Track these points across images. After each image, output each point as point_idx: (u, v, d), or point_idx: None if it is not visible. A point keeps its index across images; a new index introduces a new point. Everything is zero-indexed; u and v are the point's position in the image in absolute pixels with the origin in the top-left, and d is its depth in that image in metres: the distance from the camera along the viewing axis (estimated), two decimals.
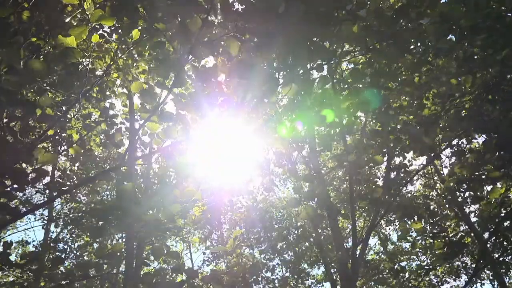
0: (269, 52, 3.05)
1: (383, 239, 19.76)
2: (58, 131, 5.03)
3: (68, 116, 5.50)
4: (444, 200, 10.18)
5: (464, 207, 11.82)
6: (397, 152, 6.75)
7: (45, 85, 4.64)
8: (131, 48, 4.97)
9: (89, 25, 3.06)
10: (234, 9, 2.98)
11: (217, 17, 3.08)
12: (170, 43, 3.35)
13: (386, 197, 7.82)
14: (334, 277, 15.74)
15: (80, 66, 4.93)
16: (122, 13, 3.04)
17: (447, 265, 12.38)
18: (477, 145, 9.13)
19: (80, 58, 3.18)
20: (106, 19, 2.93)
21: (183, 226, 4.04)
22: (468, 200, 7.92)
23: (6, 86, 3.03)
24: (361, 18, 2.89)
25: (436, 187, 11.98)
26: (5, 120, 3.78)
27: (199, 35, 3.17)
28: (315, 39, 2.87)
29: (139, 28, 3.73)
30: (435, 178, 12.62)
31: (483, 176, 7.12)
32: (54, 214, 18.54)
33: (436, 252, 7.25)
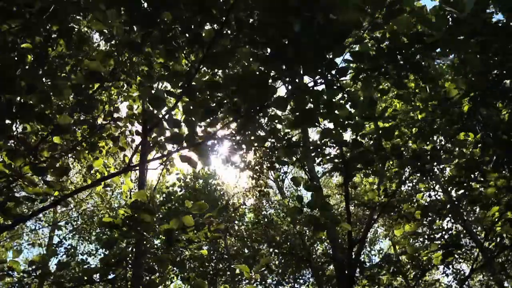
0: (280, 64, 3.11)
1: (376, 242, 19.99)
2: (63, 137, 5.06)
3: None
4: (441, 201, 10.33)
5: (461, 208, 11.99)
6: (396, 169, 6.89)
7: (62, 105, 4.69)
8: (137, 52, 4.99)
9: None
10: (249, 22, 3.03)
11: (231, 28, 3.13)
12: (183, 52, 3.39)
13: (382, 198, 7.94)
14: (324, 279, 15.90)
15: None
16: (137, 23, 3.07)
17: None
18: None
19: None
20: (134, 46, 2.97)
21: (194, 239, 4.06)
22: (465, 201, 8.06)
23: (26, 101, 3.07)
24: (375, 39, 2.95)
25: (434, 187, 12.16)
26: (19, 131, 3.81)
27: (211, 45, 3.22)
28: (327, 55, 2.93)
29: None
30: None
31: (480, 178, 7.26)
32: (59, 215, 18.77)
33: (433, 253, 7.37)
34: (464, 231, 13.19)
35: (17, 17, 3.57)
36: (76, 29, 4.59)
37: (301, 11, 2.67)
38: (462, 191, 7.45)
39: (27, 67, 4.58)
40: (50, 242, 18.67)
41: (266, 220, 17.31)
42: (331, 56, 2.95)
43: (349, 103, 3.84)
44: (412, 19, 2.95)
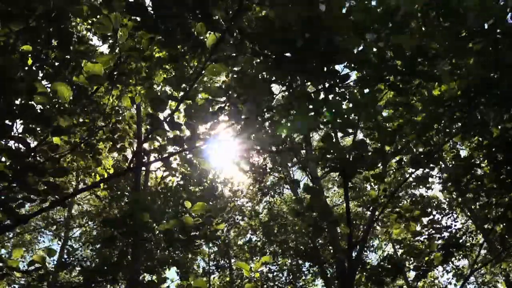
0: (283, 72, 3.09)
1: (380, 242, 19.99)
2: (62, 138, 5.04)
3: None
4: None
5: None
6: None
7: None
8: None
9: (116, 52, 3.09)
10: (252, 32, 3.01)
11: (234, 36, 3.11)
12: (185, 57, 3.38)
13: (382, 198, 7.94)
14: (328, 275, 15.90)
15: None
16: (142, 29, 3.05)
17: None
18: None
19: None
20: (136, 50, 2.96)
21: (193, 239, 4.08)
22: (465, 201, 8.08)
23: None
24: (379, 49, 2.94)
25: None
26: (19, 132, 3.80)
27: (214, 51, 3.21)
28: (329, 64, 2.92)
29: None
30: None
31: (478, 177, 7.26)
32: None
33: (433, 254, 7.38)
34: (464, 228, 13.22)
35: (17, 19, 3.55)
36: (75, 34, 4.58)
37: (304, 32, 2.66)
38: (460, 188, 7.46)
39: (26, 68, 4.56)
40: (62, 253, 18.83)
41: (279, 220, 17.25)
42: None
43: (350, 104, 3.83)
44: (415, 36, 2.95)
